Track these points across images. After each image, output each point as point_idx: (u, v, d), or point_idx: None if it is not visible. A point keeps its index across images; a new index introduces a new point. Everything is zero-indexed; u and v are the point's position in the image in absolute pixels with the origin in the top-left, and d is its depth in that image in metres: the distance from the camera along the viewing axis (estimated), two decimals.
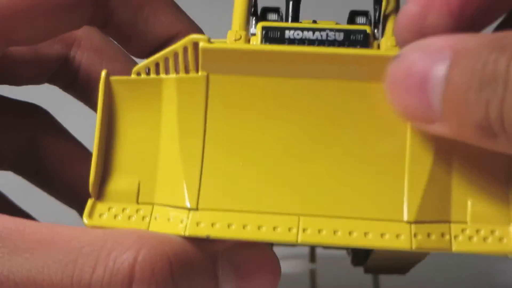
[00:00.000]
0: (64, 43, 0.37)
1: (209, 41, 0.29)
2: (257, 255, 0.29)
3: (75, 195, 0.39)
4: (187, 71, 0.30)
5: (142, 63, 0.30)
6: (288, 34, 0.31)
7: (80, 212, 0.38)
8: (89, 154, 0.39)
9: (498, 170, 0.29)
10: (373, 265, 0.39)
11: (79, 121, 0.41)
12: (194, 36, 0.29)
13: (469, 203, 0.29)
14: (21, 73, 0.37)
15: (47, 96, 0.40)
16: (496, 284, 0.49)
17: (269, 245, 0.31)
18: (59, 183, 0.39)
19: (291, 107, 0.29)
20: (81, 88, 0.38)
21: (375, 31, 0.32)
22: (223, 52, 0.29)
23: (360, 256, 0.39)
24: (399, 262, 0.37)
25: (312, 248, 0.48)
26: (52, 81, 0.38)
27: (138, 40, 0.34)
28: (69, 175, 0.39)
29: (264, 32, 0.31)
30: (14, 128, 0.38)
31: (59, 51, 0.37)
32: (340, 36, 0.31)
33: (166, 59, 0.30)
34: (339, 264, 0.50)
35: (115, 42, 0.37)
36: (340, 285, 0.49)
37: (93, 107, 0.38)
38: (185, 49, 0.30)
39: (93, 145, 0.30)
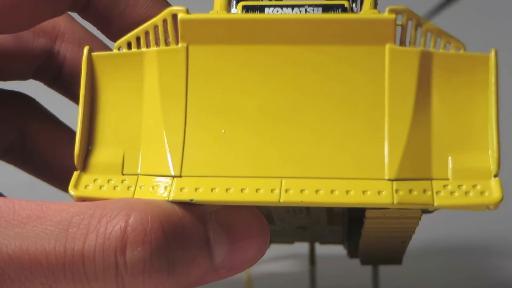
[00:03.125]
0: (48, 36, 0.38)
1: (187, 12, 0.30)
2: (245, 216, 0.30)
3: (68, 179, 0.39)
4: (167, 43, 0.31)
5: (123, 37, 0.31)
6: (267, 11, 0.32)
7: None
8: None
9: (477, 126, 0.29)
10: (366, 250, 0.39)
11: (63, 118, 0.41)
12: (173, 8, 0.30)
13: (449, 159, 0.29)
14: (6, 68, 0.38)
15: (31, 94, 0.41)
16: (493, 282, 0.49)
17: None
18: (51, 169, 0.40)
19: (270, 73, 0.30)
20: (66, 82, 0.39)
21: (353, 5, 0.32)
22: (202, 22, 0.30)
23: (355, 240, 0.39)
24: (390, 243, 0.37)
25: (312, 248, 0.48)
26: (36, 76, 0.39)
27: (118, 23, 0.35)
28: (61, 160, 0.39)
29: (244, 11, 0.32)
30: (3, 118, 0.39)
31: (43, 45, 0.38)
32: (318, 11, 0.32)
33: (146, 33, 0.31)
34: (339, 264, 0.50)
35: (98, 37, 0.37)
36: (340, 285, 0.49)
37: (78, 102, 0.39)
38: (164, 22, 0.30)
39: (77, 119, 0.30)
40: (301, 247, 0.48)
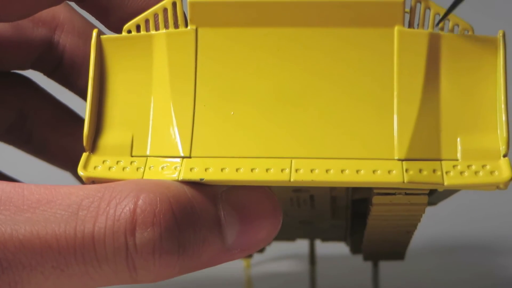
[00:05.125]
0: (47, 26, 0.38)
1: None
2: (257, 196, 0.30)
3: (68, 158, 0.40)
4: (176, 26, 0.31)
5: (132, 20, 0.31)
6: None
7: (74, 174, 0.38)
8: (78, 117, 0.39)
9: (485, 107, 0.30)
10: (370, 241, 0.39)
11: None
12: None
13: (459, 140, 0.30)
14: (5, 57, 0.38)
15: None
16: (495, 281, 0.49)
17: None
18: (51, 149, 0.41)
19: (279, 55, 0.31)
20: (66, 73, 0.39)
21: None
22: (211, 5, 0.31)
23: (358, 235, 0.40)
24: (395, 233, 0.37)
25: (312, 247, 0.48)
26: (36, 66, 0.40)
27: (116, 13, 0.35)
28: (60, 139, 0.40)
29: None
30: (2, 100, 0.39)
31: (42, 35, 0.38)
32: None
33: (155, 16, 0.31)
34: (339, 264, 0.50)
35: (98, 27, 0.38)
36: (340, 285, 0.49)
37: (78, 92, 0.39)
38: (173, 5, 0.31)
39: (86, 101, 0.30)
40: (301, 247, 0.49)
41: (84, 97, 0.37)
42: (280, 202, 0.38)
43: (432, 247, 0.52)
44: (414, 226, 0.36)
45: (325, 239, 0.48)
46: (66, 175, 0.41)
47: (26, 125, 0.40)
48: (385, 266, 0.47)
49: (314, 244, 0.48)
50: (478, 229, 0.54)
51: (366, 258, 0.45)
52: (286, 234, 0.46)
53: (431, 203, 0.39)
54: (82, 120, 0.32)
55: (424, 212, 0.33)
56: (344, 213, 0.40)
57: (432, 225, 0.45)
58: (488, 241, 0.53)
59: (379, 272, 0.46)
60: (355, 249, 0.44)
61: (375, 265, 0.46)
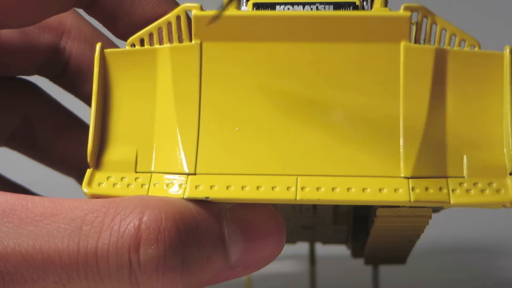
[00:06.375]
0: (54, 32, 0.38)
1: (201, 9, 0.30)
2: (261, 214, 0.30)
3: (72, 165, 0.40)
4: (180, 40, 0.31)
5: (136, 34, 0.31)
6: (278, 9, 0.32)
7: (79, 180, 0.38)
8: (83, 123, 0.39)
9: (492, 124, 0.30)
10: (372, 249, 0.39)
11: None
12: (187, 5, 0.31)
13: (465, 157, 0.29)
14: (11, 62, 0.38)
15: None
16: (494, 282, 0.49)
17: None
18: (55, 155, 0.40)
19: (284, 70, 0.30)
20: (72, 79, 0.39)
21: (364, 3, 0.32)
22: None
23: (359, 240, 0.39)
24: (397, 242, 0.37)
25: (312, 248, 0.48)
26: (42, 72, 0.39)
27: (124, 20, 0.35)
28: (65, 145, 0.40)
29: (255, 8, 0.32)
30: (6, 105, 0.39)
31: (49, 41, 0.38)
32: (330, 9, 0.32)
33: (159, 29, 0.31)
34: (339, 264, 0.50)
35: (105, 34, 0.37)
36: (340, 285, 0.49)
37: (84, 99, 0.39)
38: (178, 19, 0.30)
39: (90, 116, 0.30)
40: (302, 247, 0.49)
41: (89, 103, 0.37)
42: (283, 209, 0.38)
43: (432, 247, 0.52)
44: (418, 236, 0.36)
45: (326, 242, 0.48)
46: (70, 181, 0.41)
47: (31, 130, 0.40)
48: (385, 266, 0.46)
49: (315, 244, 0.48)
50: (478, 230, 0.54)
51: (367, 263, 0.45)
52: (287, 238, 0.46)
53: (435, 210, 0.38)
54: (87, 126, 0.32)
55: (428, 223, 0.33)
56: (346, 219, 0.40)
57: (432, 226, 0.45)
58: (488, 242, 0.53)
59: (379, 273, 0.46)
60: (356, 253, 0.44)
61: (375, 266, 0.46)
